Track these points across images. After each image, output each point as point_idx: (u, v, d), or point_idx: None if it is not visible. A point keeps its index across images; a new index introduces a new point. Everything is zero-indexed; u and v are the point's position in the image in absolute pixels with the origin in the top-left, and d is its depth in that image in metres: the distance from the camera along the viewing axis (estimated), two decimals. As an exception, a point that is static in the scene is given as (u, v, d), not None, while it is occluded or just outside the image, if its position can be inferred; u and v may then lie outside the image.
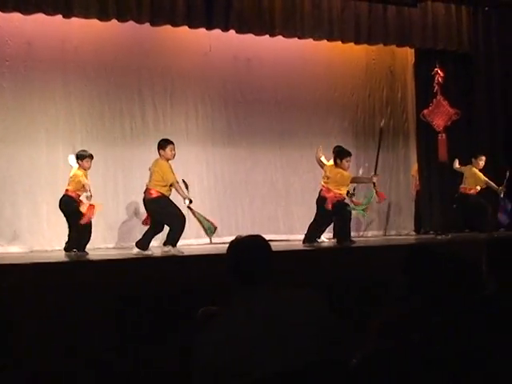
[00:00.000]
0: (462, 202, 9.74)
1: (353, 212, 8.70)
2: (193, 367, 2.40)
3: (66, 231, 8.44)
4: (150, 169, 7.87)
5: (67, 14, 8.16)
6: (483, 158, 9.70)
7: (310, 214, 9.22)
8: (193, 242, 9.34)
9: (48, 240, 8.67)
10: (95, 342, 5.23)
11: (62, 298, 5.43)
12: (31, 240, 8.61)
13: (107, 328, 5.33)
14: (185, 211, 7.83)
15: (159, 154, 7.83)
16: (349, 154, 8.68)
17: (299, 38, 9.54)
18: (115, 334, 5.32)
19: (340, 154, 8.66)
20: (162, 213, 7.77)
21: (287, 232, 10.01)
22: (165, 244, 7.73)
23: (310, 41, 9.70)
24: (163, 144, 7.83)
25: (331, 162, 8.72)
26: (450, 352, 2.28)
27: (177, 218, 7.72)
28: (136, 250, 7.62)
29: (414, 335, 2.30)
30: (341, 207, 8.56)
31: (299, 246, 8.49)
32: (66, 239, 7.95)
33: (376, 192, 8.85)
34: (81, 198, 7.83)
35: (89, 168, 7.99)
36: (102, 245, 8.90)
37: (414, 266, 2.83)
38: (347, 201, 8.74)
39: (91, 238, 8.14)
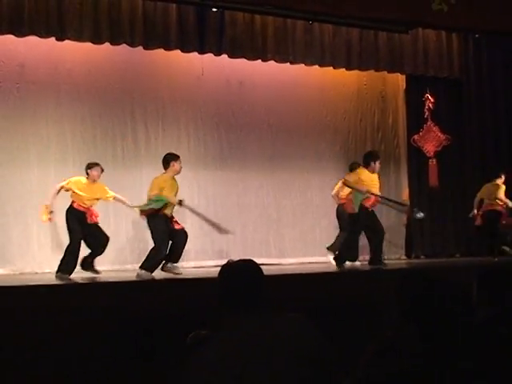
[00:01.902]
0: (489, 219, 9.64)
1: None
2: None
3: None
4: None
5: (60, 37, 8.21)
6: (503, 175, 9.68)
7: (301, 237, 9.22)
8: (183, 264, 9.31)
9: (38, 262, 8.62)
10: (85, 366, 5.18)
11: (52, 321, 5.39)
12: (21, 262, 8.56)
13: (96, 352, 5.29)
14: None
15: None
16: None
17: (291, 63, 9.62)
18: (105, 357, 5.27)
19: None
20: (151, 230, 7.68)
21: (279, 256, 9.99)
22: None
23: (302, 65, 9.77)
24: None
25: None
26: (441, 379, 2.27)
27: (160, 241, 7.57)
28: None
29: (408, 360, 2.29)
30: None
31: (291, 269, 8.47)
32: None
33: None
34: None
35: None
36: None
37: (404, 292, 2.83)
38: None
39: (79, 260, 8.09)
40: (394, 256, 10.81)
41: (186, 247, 9.65)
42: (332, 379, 2.41)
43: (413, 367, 2.31)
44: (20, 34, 8.05)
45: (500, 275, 3.20)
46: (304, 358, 2.36)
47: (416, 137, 10.66)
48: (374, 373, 2.36)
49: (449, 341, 2.32)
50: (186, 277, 7.78)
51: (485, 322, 2.83)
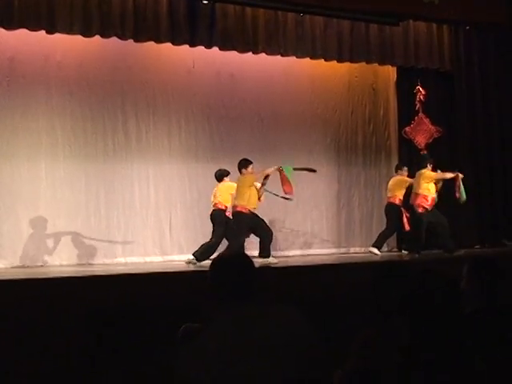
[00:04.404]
0: None
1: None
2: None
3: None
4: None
5: (50, 30, 8.17)
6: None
7: (292, 229, 9.18)
8: (174, 258, 9.32)
9: (30, 256, 8.61)
10: (75, 359, 5.19)
11: (42, 315, 5.39)
12: (12, 256, 8.54)
13: (87, 347, 5.29)
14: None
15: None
16: None
17: (282, 55, 9.61)
18: (96, 352, 5.27)
19: None
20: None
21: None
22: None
23: (293, 57, 9.76)
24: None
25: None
26: (429, 372, 2.28)
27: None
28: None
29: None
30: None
31: (282, 262, 8.47)
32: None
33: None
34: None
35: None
36: (84, 260, 8.85)
37: (389, 285, 2.84)
38: None
39: (71, 253, 8.09)
40: (386, 248, 10.83)
41: (174, 242, 9.69)
42: (322, 371, 2.42)
43: (400, 357, 2.32)
44: (10, 27, 8.00)
45: (490, 266, 3.22)
46: (295, 351, 2.37)
47: (407, 129, 10.68)
48: (362, 367, 2.37)
49: (437, 333, 2.33)
50: (177, 270, 7.79)
51: (474, 313, 2.85)
